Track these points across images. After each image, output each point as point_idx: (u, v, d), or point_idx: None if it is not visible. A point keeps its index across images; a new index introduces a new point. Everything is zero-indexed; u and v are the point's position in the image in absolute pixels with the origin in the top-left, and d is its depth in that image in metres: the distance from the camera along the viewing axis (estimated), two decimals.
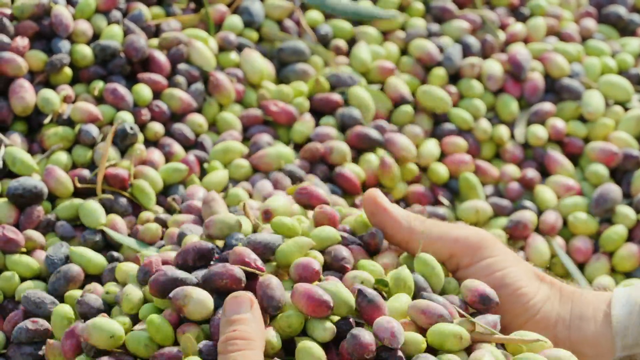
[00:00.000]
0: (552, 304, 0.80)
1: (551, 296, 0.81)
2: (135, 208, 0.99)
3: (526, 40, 1.20)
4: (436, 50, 1.16)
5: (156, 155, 1.02)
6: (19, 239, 0.92)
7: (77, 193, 0.98)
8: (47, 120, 1.00)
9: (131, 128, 1.00)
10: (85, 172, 0.98)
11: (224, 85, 1.08)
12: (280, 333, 0.74)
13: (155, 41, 1.08)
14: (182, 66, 1.08)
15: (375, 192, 0.83)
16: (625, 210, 1.07)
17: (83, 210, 0.95)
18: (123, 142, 1.00)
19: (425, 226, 0.82)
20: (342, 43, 1.16)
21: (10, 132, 1.01)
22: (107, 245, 0.95)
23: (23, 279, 0.92)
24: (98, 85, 1.04)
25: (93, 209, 0.95)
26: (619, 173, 1.12)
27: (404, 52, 1.18)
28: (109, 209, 0.97)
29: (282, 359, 0.74)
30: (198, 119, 1.06)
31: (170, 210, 0.99)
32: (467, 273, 0.80)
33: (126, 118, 1.01)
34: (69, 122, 1.01)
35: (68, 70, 1.04)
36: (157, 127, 1.04)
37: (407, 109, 1.11)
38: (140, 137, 1.01)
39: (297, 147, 1.07)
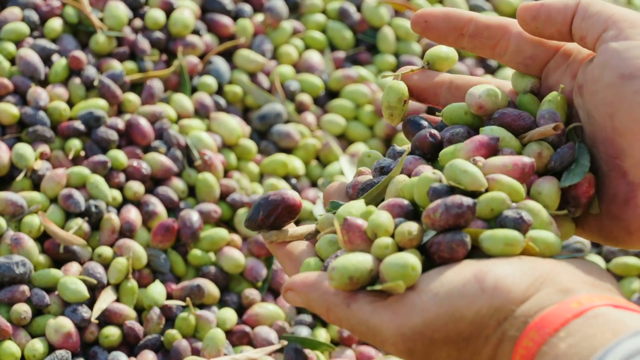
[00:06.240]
0: None
1: None
2: None
3: None
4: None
5: (133, 214, 1.02)
6: None
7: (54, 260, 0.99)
8: (20, 177, 1.00)
9: (95, 207, 1.00)
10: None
11: (215, 165, 1.07)
12: None
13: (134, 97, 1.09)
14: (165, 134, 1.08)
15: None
16: None
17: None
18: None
19: None
20: (307, 98, 1.16)
21: None
22: None
23: None
24: (75, 146, 1.04)
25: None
26: None
27: None
28: None
29: None
30: (179, 184, 1.06)
31: None
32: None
33: (98, 181, 1.01)
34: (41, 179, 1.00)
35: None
36: (135, 187, 1.04)
37: None
38: (108, 215, 1.00)
39: None
